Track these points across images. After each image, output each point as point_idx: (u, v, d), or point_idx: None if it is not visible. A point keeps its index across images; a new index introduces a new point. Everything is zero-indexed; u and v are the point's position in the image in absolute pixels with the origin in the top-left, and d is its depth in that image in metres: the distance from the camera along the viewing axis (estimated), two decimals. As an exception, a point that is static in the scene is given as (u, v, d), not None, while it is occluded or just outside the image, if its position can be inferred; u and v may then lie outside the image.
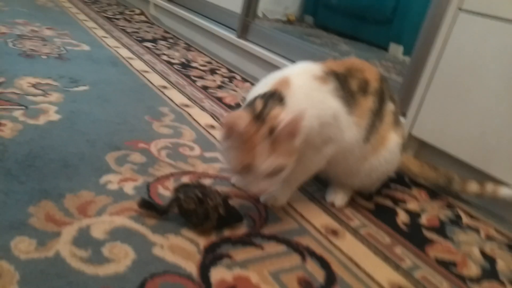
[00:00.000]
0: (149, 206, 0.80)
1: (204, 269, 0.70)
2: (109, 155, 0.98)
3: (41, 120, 1.06)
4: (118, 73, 1.60)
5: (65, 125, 1.07)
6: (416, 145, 1.41)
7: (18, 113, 1.06)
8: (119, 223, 0.76)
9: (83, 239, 0.70)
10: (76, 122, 1.10)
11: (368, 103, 0.95)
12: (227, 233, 0.81)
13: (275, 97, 0.82)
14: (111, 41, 2.06)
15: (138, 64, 1.77)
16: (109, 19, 2.59)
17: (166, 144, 1.11)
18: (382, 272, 0.82)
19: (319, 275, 0.76)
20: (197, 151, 1.12)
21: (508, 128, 1.13)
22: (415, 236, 0.97)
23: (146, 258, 0.69)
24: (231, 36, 2.25)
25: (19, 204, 0.74)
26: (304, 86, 0.88)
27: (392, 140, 1.00)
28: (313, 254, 0.81)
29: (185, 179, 0.96)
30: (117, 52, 1.88)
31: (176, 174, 0.97)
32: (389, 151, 0.99)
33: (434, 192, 1.24)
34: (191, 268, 0.69)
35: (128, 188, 0.87)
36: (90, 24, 2.33)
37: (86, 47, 1.84)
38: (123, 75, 1.60)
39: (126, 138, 1.08)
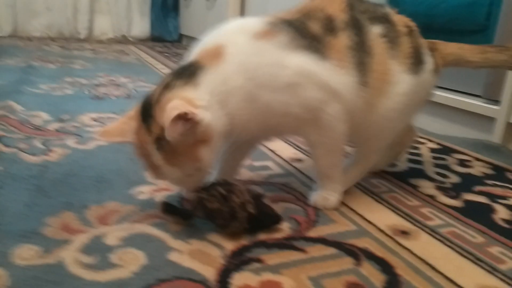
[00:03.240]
0: (173, 211, 0.71)
1: (225, 274, 0.58)
2: (149, 170, 0.93)
3: (91, 145, 1.06)
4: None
5: (114, 148, 1.06)
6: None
7: (70, 141, 1.08)
8: (139, 230, 0.68)
9: (93, 246, 0.63)
10: (126, 145, 1.08)
11: (342, 41, 0.72)
12: (263, 236, 0.68)
13: (186, 72, 0.67)
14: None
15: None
16: (185, 65, 2.70)
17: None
18: (469, 275, 0.61)
19: (377, 280, 0.59)
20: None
21: None
22: (520, 233, 0.74)
23: (158, 264, 0.59)
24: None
25: (39, 215, 0.70)
26: (239, 53, 0.68)
27: (396, 71, 0.75)
28: (371, 257, 0.64)
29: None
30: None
31: (215, 182, 0.88)
32: (400, 85, 0.76)
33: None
34: (209, 273, 0.58)
35: (160, 197, 0.80)
36: (166, 70, 2.44)
37: (155, 87, 1.90)
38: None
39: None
